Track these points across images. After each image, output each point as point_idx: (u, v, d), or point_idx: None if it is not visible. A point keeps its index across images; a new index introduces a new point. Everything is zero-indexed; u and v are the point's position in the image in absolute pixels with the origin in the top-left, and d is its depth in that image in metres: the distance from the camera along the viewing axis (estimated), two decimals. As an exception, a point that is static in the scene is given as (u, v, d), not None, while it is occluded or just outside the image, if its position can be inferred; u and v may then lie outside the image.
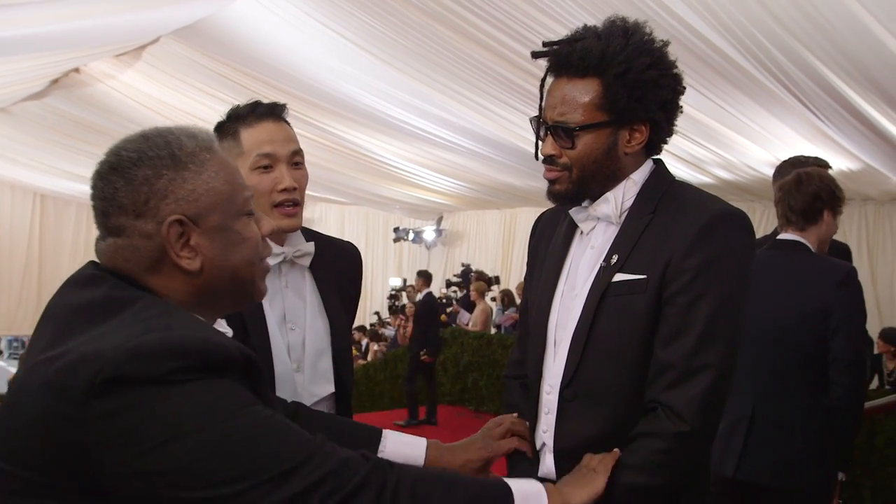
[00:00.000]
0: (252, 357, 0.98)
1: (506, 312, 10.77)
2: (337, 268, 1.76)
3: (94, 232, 1.06)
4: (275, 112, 1.63)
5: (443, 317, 10.04)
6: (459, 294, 11.94)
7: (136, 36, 7.85)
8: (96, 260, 1.06)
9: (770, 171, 3.44)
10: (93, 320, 0.95)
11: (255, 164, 1.58)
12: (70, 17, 6.44)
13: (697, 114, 6.31)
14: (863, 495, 4.42)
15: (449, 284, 12.33)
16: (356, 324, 8.41)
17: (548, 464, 1.52)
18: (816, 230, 2.49)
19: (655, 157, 1.53)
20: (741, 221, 1.41)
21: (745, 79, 5.47)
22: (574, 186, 1.47)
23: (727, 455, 2.40)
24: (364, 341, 13.09)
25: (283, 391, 1.58)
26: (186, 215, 1.02)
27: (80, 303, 0.99)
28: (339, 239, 1.87)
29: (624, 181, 1.48)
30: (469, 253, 14.25)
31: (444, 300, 11.53)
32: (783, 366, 2.41)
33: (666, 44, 1.45)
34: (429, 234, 15.04)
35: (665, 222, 1.42)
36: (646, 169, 1.50)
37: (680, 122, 1.51)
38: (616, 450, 1.37)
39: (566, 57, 1.42)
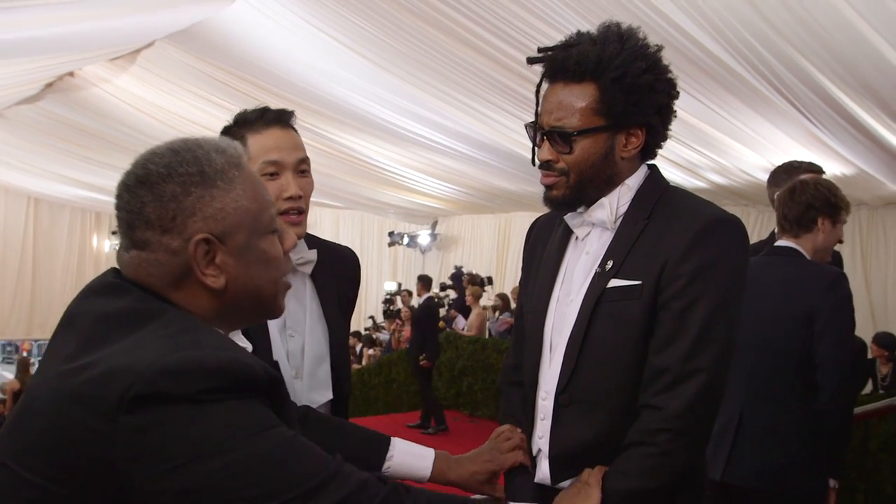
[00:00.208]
0: (277, 378, 0.99)
1: (500, 318, 10.75)
2: (335, 272, 1.76)
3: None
4: (283, 119, 1.63)
5: (441, 323, 10.00)
6: (453, 296, 11.92)
7: (130, 40, 7.84)
8: (117, 266, 1.06)
9: (764, 176, 3.46)
10: (119, 331, 0.95)
11: (262, 171, 1.57)
12: (65, 20, 6.42)
13: (691, 118, 6.33)
14: (857, 499, 4.42)
15: (444, 288, 12.32)
16: (351, 329, 8.36)
17: (543, 470, 1.52)
18: (812, 238, 2.51)
19: (650, 161, 1.53)
20: (735, 227, 1.42)
21: (739, 83, 5.49)
22: (571, 191, 1.47)
23: (716, 458, 2.41)
24: (358, 346, 13.07)
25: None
26: (213, 233, 1.01)
27: (105, 312, 0.98)
28: (337, 244, 1.86)
29: (619, 187, 1.48)
30: (464, 257, 14.25)
31: (436, 299, 11.49)
32: (772, 370, 2.42)
33: (660, 48, 1.46)
34: (424, 238, 15.05)
35: (660, 228, 1.43)
36: (641, 174, 1.50)
37: (674, 127, 1.52)
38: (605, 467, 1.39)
39: (562, 62, 1.42)
